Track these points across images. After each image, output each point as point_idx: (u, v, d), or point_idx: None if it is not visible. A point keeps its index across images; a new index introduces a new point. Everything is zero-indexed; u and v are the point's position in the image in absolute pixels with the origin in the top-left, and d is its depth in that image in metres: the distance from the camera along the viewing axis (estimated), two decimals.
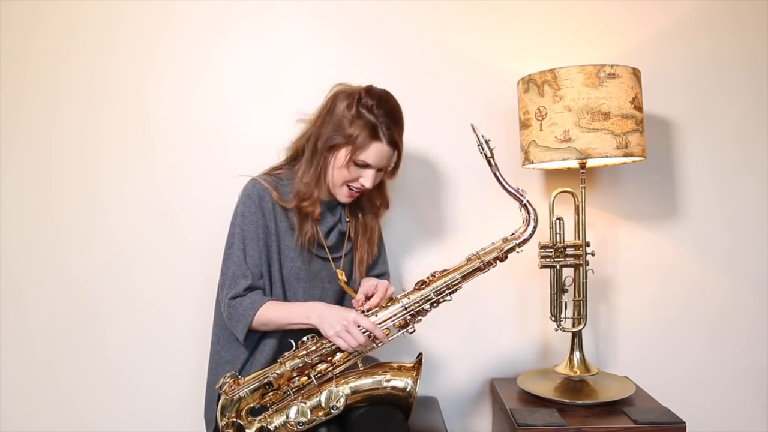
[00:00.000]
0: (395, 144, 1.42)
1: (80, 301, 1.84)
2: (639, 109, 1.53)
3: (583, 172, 1.59)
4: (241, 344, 1.41)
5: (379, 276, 1.59)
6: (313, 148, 1.44)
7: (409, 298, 1.35)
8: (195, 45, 1.80)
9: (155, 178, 1.82)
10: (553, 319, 1.60)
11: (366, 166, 1.41)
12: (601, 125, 1.48)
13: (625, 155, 1.50)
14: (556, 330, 1.61)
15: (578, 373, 1.60)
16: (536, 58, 1.76)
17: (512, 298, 1.83)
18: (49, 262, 1.83)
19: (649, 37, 1.80)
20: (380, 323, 1.32)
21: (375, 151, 1.39)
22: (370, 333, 1.30)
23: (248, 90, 1.81)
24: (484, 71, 1.79)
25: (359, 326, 1.29)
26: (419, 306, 1.35)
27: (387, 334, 1.34)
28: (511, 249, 1.39)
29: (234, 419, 1.31)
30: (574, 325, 1.61)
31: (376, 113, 1.39)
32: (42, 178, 1.82)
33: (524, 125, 1.59)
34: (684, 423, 1.42)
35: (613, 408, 1.51)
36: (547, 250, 1.58)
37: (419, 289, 1.36)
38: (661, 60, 1.79)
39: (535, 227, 1.39)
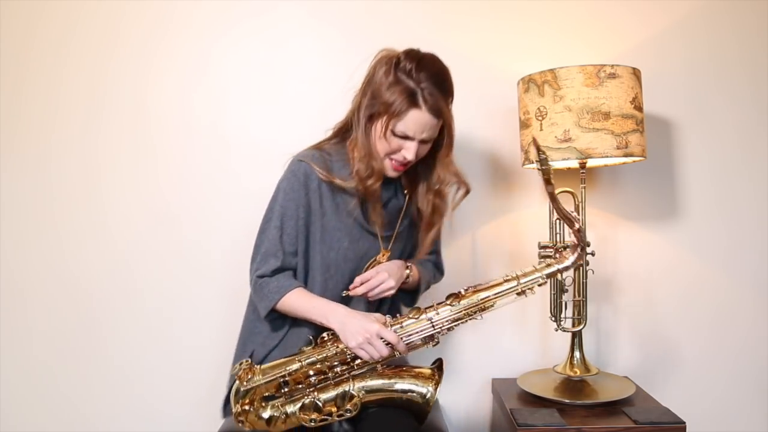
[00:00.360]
0: (438, 111, 1.29)
1: (80, 300, 1.83)
2: (639, 109, 1.53)
3: (583, 172, 1.59)
4: (278, 322, 1.39)
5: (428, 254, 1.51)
6: (357, 120, 1.35)
7: (438, 313, 1.29)
8: (196, 45, 1.80)
9: (155, 178, 1.82)
10: (553, 319, 1.60)
11: (406, 137, 1.30)
12: (601, 125, 1.48)
13: (625, 155, 1.50)
14: (556, 330, 1.61)
15: (578, 373, 1.60)
16: (536, 58, 1.76)
17: (512, 298, 1.83)
18: (49, 262, 1.83)
19: (649, 37, 1.80)
20: (405, 336, 1.28)
21: (414, 120, 1.28)
22: (393, 346, 1.26)
23: (249, 90, 1.81)
24: (484, 71, 1.79)
25: (382, 338, 1.25)
26: (449, 324, 1.30)
27: (410, 346, 1.30)
28: (554, 273, 1.31)
29: (247, 406, 1.28)
30: (574, 325, 1.61)
31: (415, 77, 1.28)
32: (42, 178, 1.82)
33: (524, 125, 1.59)
34: (684, 423, 1.42)
35: (613, 408, 1.51)
36: (547, 250, 1.57)
37: (450, 304, 1.30)
38: (661, 60, 1.79)
39: (580, 255, 1.30)
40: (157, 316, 1.83)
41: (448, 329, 1.32)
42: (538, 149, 1.21)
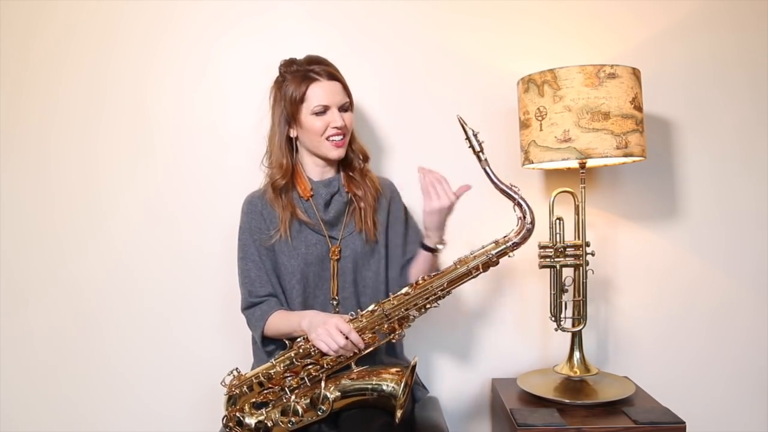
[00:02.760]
0: (333, 75, 1.45)
1: (80, 301, 1.84)
2: (639, 109, 1.53)
3: (583, 172, 1.59)
4: (279, 352, 1.44)
5: (410, 261, 1.54)
6: (274, 135, 1.50)
7: (392, 303, 1.33)
8: (195, 45, 1.80)
9: (155, 178, 1.82)
10: (553, 319, 1.60)
11: (325, 109, 1.43)
12: (601, 125, 1.48)
13: (625, 155, 1.50)
14: (556, 330, 1.61)
15: (578, 373, 1.60)
16: (536, 58, 1.76)
17: (512, 298, 1.83)
18: (49, 263, 1.83)
19: (649, 37, 1.80)
20: (363, 328, 1.32)
21: (319, 91, 1.43)
22: (346, 335, 1.29)
23: (248, 90, 1.80)
24: (484, 71, 1.79)
25: (340, 331, 1.29)
26: (403, 312, 1.33)
27: (373, 340, 1.33)
28: (503, 253, 1.32)
29: (235, 413, 1.37)
30: (574, 325, 1.61)
31: (297, 66, 1.46)
32: (42, 179, 1.82)
33: (524, 125, 1.59)
34: (684, 423, 1.42)
35: (613, 408, 1.51)
36: (546, 250, 1.57)
37: (405, 294, 1.34)
38: (661, 60, 1.79)
39: (529, 229, 1.30)
40: (157, 317, 1.83)
41: (405, 317, 1.33)
42: (464, 125, 1.30)
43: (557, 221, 1.58)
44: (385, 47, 1.79)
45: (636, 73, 1.54)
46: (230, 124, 1.81)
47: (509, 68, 1.77)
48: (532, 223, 1.31)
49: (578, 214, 1.60)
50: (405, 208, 1.62)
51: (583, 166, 1.58)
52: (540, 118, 1.53)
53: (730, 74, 1.80)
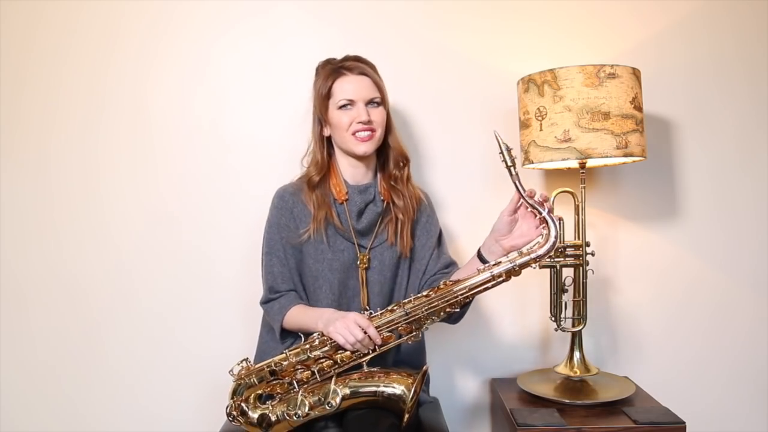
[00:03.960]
0: (362, 71, 1.43)
1: (80, 302, 1.84)
2: (639, 109, 1.53)
3: (583, 172, 1.59)
4: (290, 341, 1.44)
5: (448, 266, 1.53)
6: (312, 137, 1.50)
7: (413, 304, 1.32)
8: (195, 45, 1.80)
9: (155, 178, 1.82)
10: (553, 319, 1.60)
11: (349, 103, 1.41)
12: (601, 125, 1.48)
13: (625, 155, 1.50)
14: (556, 330, 1.61)
15: (578, 373, 1.60)
16: (536, 58, 1.76)
17: (512, 298, 1.83)
18: (49, 263, 1.83)
19: (649, 37, 1.80)
20: (381, 326, 1.31)
21: (346, 85, 1.42)
22: (365, 330, 1.29)
23: (248, 90, 1.81)
24: (484, 71, 1.79)
25: (358, 325, 1.29)
26: (423, 313, 1.32)
27: (389, 339, 1.32)
28: (526, 264, 1.31)
29: (240, 403, 1.34)
30: (574, 325, 1.61)
31: (332, 63, 1.46)
32: (42, 179, 1.82)
33: (524, 125, 1.59)
34: (684, 423, 1.42)
35: (613, 408, 1.51)
36: None
37: (426, 296, 1.33)
38: (661, 60, 1.79)
39: (554, 243, 1.29)
40: (156, 317, 1.83)
41: (424, 319, 1.32)
42: (499, 140, 1.28)
43: (558, 221, 1.57)
44: (385, 47, 1.79)
45: (636, 73, 1.54)
46: (230, 124, 1.81)
47: (509, 68, 1.77)
48: (557, 237, 1.30)
49: (578, 214, 1.60)
50: (440, 229, 1.58)
51: (583, 166, 1.58)
52: (540, 118, 1.53)
53: (730, 74, 1.80)
